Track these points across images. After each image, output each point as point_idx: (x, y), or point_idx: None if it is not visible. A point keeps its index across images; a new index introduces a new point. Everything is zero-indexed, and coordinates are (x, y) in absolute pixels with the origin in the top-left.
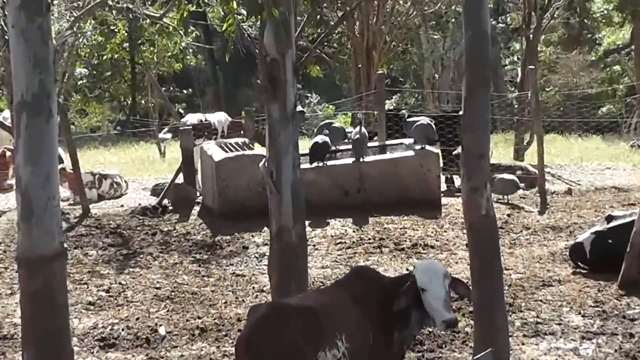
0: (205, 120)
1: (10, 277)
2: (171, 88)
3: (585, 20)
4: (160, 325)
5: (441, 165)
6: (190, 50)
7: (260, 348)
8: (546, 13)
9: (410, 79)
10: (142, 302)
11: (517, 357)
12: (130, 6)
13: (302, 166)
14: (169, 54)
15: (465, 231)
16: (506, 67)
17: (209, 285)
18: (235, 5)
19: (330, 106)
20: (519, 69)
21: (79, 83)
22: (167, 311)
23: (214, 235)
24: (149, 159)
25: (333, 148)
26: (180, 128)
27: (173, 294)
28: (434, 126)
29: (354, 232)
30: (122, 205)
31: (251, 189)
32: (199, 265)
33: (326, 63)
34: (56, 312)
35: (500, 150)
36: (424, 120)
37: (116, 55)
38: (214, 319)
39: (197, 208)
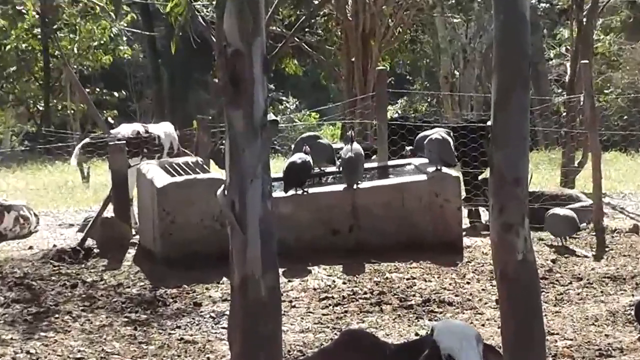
0: (146, 132)
1: None
2: (98, 89)
3: None
4: None
5: (463, 193)
6: (124, 39)
7: None
8: None
9: (422, 78)
10: None
11: None
12: None
13: (274, 195)
14: (95, 43)
15: (494, 283)
16: (551, 62)
17: (148, 355)
18: None
19: (313, 114)
20: (568, 65)
21: None
22: None
23: (155, 287)
24: (68, 185)
25: (317, 170)
26: (110, 143)
27: None
28: (452, 141)
29: (344, 283)
30: (30, 247)
31: (205, 225)
32: (135, 329)
33: (308, 56)
34: None
35: (543, 174)
36: (439, 133)
37: (24, 45)
38: None
39: (132, 251)
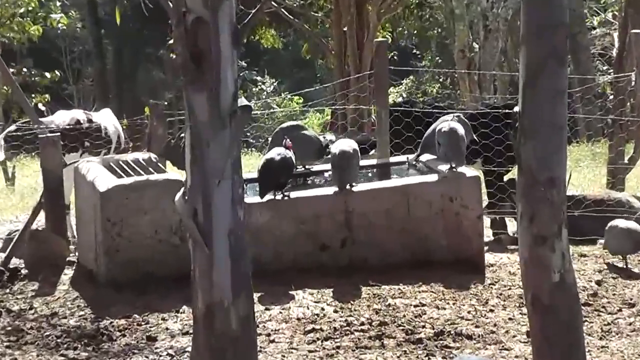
0: (89, 121)
1: None
2: (25, 69)
3: None
4: None
5: (484, 197)
6: (58, 4)
7: None
8: None
9: (432, 52)
10: None
11: None
12: None
13: (247, 201)
14: (21, 10)
15: (525, 310)
16: (594, 32)
17: None
18: None
19: (296, 98)
20: (616, 35)
21: None
22: None
23: (98, 318)
24: None
25: (300, 169)
26: (41, 136)
27: None
28: (469, 131)
29: (336, 312)
30: None
31: (161, 239)
32: None
33: (288, 25)
34: None
35: (585, 172)
36: (454, 121)
37: None
38: None
39: (68, 272)
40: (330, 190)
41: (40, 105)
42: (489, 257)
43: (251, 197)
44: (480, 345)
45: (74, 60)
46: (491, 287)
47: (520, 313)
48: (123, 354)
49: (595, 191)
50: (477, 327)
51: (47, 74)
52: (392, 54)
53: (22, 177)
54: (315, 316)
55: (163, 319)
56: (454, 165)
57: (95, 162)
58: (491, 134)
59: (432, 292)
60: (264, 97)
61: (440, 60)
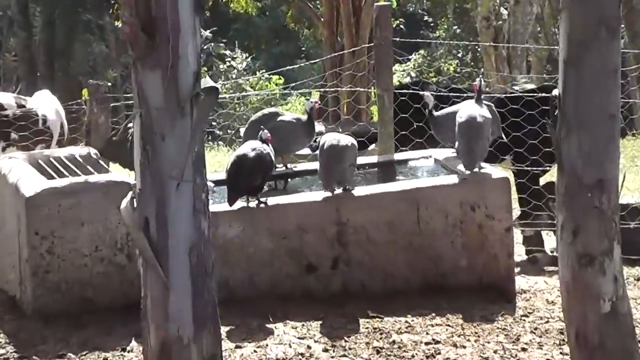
0: (20, 106)
1: None
2: None
3: None
4: None
5: (515, 206)
6: None
7: None
8: None
9: (448, 20)
10: None
11: None
12: None
13: (214, 209)
14: None
15: (566, 349)
16: None
17: None
18: None
19: (275, 78)
20: None
21: None
22: None
23: (24, 357)
24: None
25: (280, 168)
26: None
27: None
28: (498, 120)
29: (325, 350)
30: None
31: (102, 257)
32: None
33: None
34: None
35: None
36: (475, 108)
37: None
38: None
39: None
40: (319, 195)
41: None
42: (521, 282)
43: (218, 204)
44: None
45: None
46: (524, 320)
47: (561, 353)
48: None
49: None
50: None
51: None
52: (398, 22)
53: None
54: (300, 356)
55: (105, 359)
56: (476, 165)
57: (20, 159)
58: (524, 124)
59: (449, 325)
60: (234, 76)
61: (458, 31)
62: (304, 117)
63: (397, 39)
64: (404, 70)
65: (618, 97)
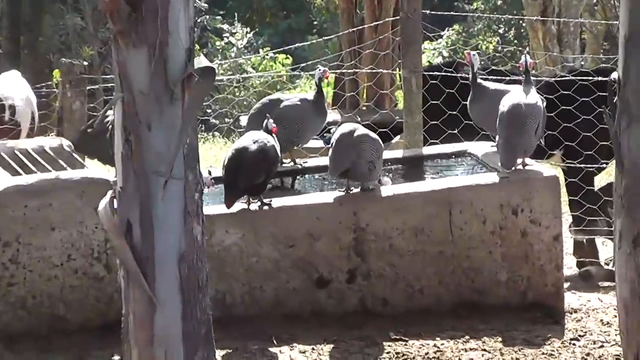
0: None
1: None
2: None
3: None
4: None
5: (565, 210)
6: None
7: None
8: None
9: None
10: None
11: None
12: None
13: (208, 211)
14: None
15: None
16: None
17: None
18: None
19: (282, 57)
20: None
21: None
22: None
23: None
24: None
25: (288, 164)
26: None
27: None
28: (544, 110)
29: None
30: None
31: (76, 268)
32: None
33: None
34: None
35: None
36: (521, 94)
37: None
38: None
39: None
40: (333, 196)
41: None
42: (571, 299)
43: (213, 206)
44: None
45: None
46: (574, 344)
47: None
48: None
49: None
50: None
51: None
52: None
53: None
54: None
55: None
56: (519, 162)
57: None
58: (577, 112)
59: (485, 350)
60: (233, 55)
61: (500, 2)
62: (311, 96)
63: (427, 12)
64: (434, 49)
65: None
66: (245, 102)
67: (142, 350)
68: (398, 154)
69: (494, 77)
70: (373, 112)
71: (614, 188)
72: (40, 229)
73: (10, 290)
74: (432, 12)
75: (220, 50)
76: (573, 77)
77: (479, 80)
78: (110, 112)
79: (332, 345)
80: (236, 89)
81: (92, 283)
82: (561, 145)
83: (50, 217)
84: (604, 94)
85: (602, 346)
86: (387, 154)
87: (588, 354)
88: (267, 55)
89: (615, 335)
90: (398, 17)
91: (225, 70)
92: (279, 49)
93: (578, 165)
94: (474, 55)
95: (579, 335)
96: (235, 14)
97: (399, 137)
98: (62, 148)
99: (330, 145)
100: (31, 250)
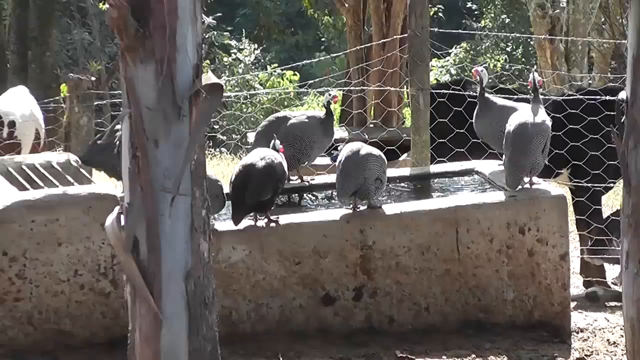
0: None
1: None
2: None
3: None
4: None
5: (572, 228)
6: None
7: None
8: None
9: (496, 7)
10: None
11: None
12: None
13: (216, 227)
14: None
15: None
16: None
17: None
18: None
19: (290, 74)
20: None
21: None
22: None
23: None
24: None
25: (295, 181)
26: None
27: None
28: (549, 127)
29: None
30: None
31: (82, 284)
32: None
33: None
34: None
35: None
36: (528, 113)
37: None
38: None
39: None
40: (340, 213)
41: None
42: (578, 319)
43: (221, 223)
44: None
45: None
46: None
47: None
48: None
49: None
50: None
51: None
52: (437, 9)
53: None
54: None
55: None
56: (526, 181)
57: None
58: (584, 131)
59: None
60: (240, 71)
61: (507, 20)
62: (320, 114)
63: (435, 29)
64: (442, 67)
65: None
66: (252, 119)
67: None
68: (405, 171)
69: (501, 95)
70: (380, 130)
71: (621, 207)
72: (47, 244)
73: (17, 305)
74: (440, 30)
75: (227, 66)
76: (581, 96)
77: (486, 95)
78: (117, 128)
79: None
80: (244, 106)
81: (99, 298)
82: (569, 164)
83: (57, 232)
84: (612, 113)
85: None
86: (395, 172)
87: None
88: (274, 71)
89: (622, 355)
90: (406, 35)
91: (233, 87)
92: (286, 66)
93: (585, 184)
94: (482, 70)
95: (586, 355)
96: (243, 30)
97: (406, 154)
98: (69, 163)
99: (336, 163)
100: (38, 266)
